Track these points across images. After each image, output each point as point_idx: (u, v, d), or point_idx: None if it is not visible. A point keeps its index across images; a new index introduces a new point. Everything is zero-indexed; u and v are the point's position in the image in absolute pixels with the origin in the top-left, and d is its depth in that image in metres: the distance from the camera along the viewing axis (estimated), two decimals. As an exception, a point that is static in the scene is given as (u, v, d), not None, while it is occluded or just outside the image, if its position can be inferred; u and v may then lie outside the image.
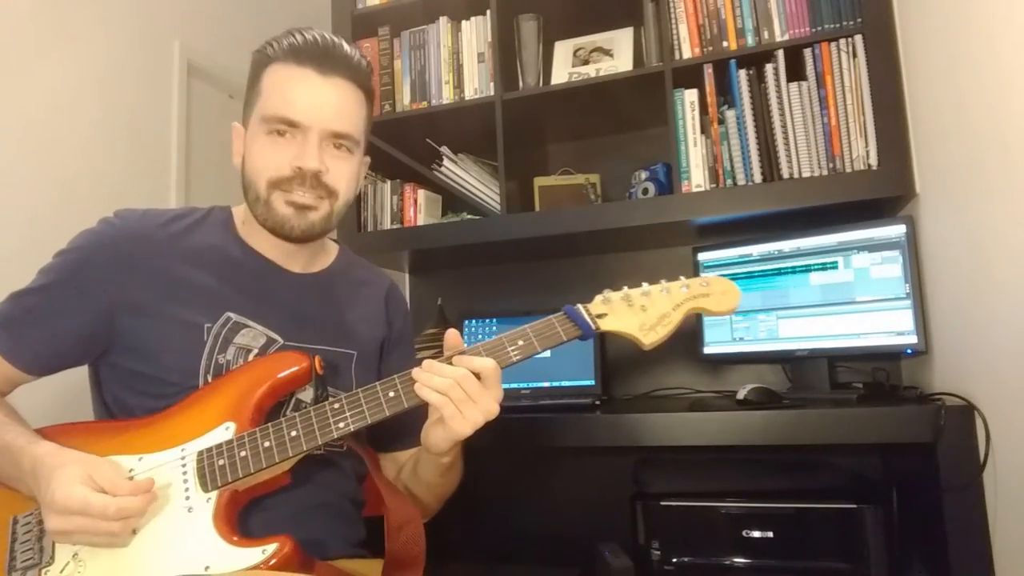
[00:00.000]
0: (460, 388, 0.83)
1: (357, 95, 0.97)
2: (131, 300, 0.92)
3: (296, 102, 0.92)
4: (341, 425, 0.85)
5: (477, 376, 0.85)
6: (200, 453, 0.85)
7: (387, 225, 1.87)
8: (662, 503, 1.41)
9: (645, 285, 0.94)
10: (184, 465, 0.85)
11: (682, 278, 0.95)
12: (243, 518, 0.86)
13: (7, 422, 0.88)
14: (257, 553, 0.79)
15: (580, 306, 0.92)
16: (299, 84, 0.92)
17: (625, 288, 0.94)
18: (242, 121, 0.99)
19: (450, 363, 0.86)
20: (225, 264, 0.98)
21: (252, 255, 1.00)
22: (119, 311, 0.92)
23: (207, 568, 0.78)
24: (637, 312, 0.92)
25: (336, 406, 0.86)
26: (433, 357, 0.88)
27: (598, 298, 0.93)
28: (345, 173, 0.96)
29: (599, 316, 0.92)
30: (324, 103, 0.93)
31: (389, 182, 1.88)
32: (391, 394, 0.87)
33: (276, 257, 1.01)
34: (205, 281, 0.95)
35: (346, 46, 0.96)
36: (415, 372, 0.86)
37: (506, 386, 1.92)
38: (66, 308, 0.91)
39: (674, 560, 1.38)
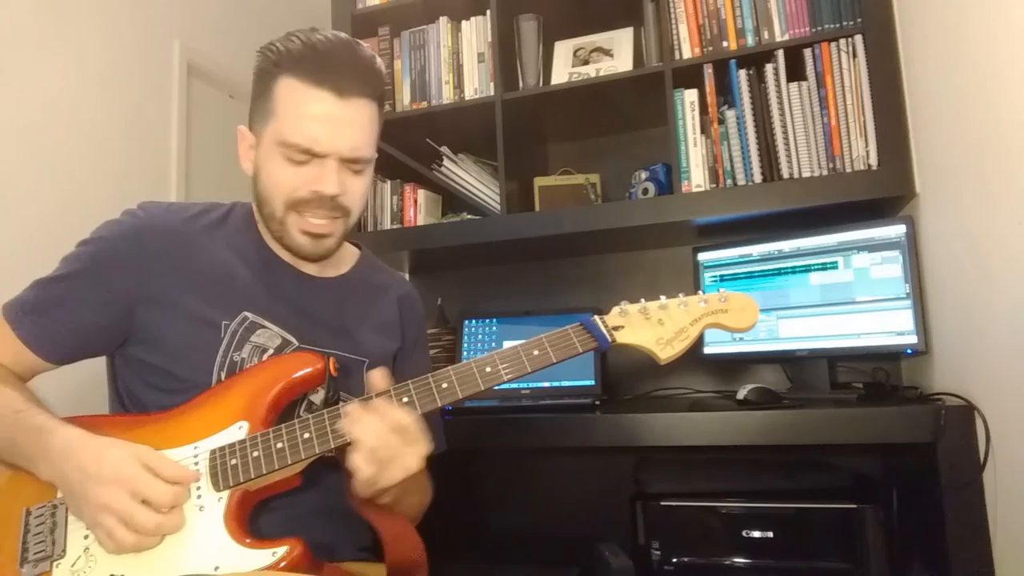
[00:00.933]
0: (387, 446, 0.80)
1: (372, 110, 0.96)
2: (151, 293, 0.92)
3: (315, 132, 0.90)
4: None
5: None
6: (213, 452, 0.85)
7: (387, 225, 1.87)
8: (662, 503, 1.41)
9: (663, 298, 0.93)
10: (197, 463, 0.85)
11: (701, 292, 0.95)
12: (251, 519, 0.86)
13: (33, 405, 0.88)
14: (267, 555, 0.79)
15: (597, 317, 0.91)
16: (317, 110, 0.90)
17: (643, 300, 0.94)
18: (248, 124, 0.97)
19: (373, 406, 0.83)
20: (244, 263, 0.98)
21: (270, 256, 1.01)
22: (139, 303, 0.92)
23: (217, 568, 0.78)
24: (654, 325, 0.91)
25: (348, 409, 0.86)
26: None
27: (615, 310, 0.93)
28: (359, 191, 0.97)
29: (615, 328, 0.91)
30: (343, 129, 0.91)
31: (389, 182, 1.89)
32: (404, 399, 0.86)
33: (293, 259, 1.02)
34: (224, 279, 0.95)
35: (360, 50, 0.94)
36: (344, 423, 0.83)
37: (506, 386, 1.92)
38: (87, 298, 0.91)
39: (674, 560, 1.38)
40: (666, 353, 0.90)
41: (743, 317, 0.92)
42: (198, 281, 0.94)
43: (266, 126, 0.93)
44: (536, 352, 0.89)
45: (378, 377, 0.88)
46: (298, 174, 0.92)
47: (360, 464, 0.80)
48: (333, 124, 0.91)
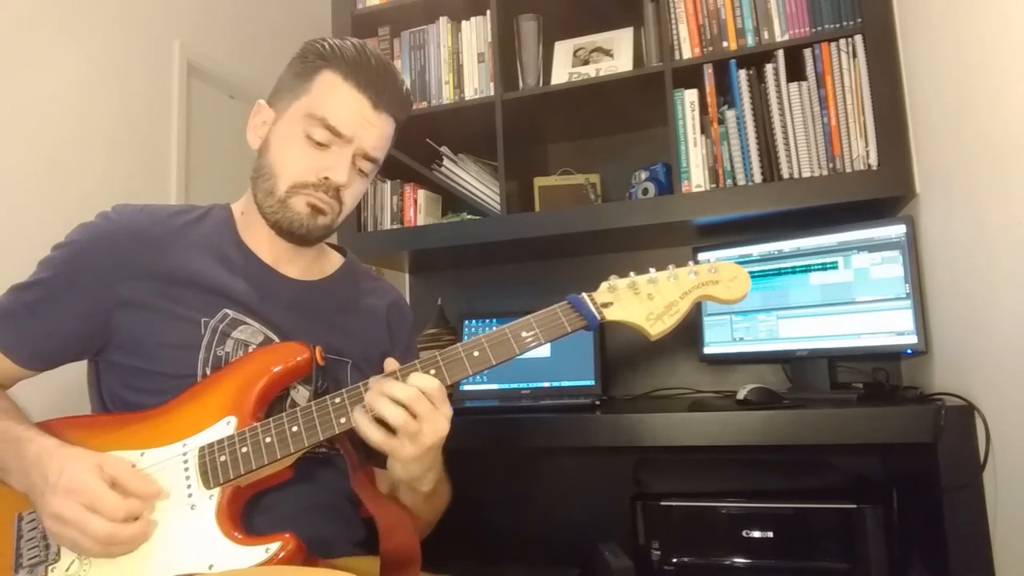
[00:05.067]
0: (412, 413, 0.81)
1: (393, 128, 1.02)
2: (127, 295, 0.91)
3: (345, 118, 0.94)
4: (343, 420, 0.84)
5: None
6: (202, 449, 0.84)
7: (387, 225, 1.87)
8: (662, 503, 1.41)
9: (652, 271, 0.91)
10: (186, 461, 0.84)
11: (690, 263, 0.92)
12: (245, 517, 0.85)
13: (10, 416, 0.88)
14: (260, 551, 0.78)
15: (585, 295, 0.90)
16: (353, 107, 0.95)
17: (632, 274, 0.91)
18: (269, 101, 0.99)
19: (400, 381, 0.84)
20: (222, 263, 0.97)
21: (250, 257, 0.99)
22: (115, 306, 0.91)
23: (211, 567, 0.78)
24: (644, 300, 0.89)
25: (337, 400, 0.85)
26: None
27: (604, 285, 0.91)
28: (357, 191, 1.01)
29: (604, 305, 0.89)
30: (369, 127, 0.96)
31: (389, 182, 1.88)
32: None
33: (273, 261, 1.00)
34: (202, 278, 0.94)
35: (401, 78, 1.01)
36: (368, 396, 0.83)
37: (505, 386, 1.91)
38: (63, 303, 0.90)
39: (674, 560, 1.38)
40: (656, 329, 0.87)
41: (734, 287, 0.90)
42: (174, 281, 0.93)
43: (294, 101, 0.95)
44: (524, 333, 0.87)
45: (392, 362, 0.87)
46: (312, 158, 0.94)
47: (394, 414, 0.80)
48: (362, 119, 0.95)
